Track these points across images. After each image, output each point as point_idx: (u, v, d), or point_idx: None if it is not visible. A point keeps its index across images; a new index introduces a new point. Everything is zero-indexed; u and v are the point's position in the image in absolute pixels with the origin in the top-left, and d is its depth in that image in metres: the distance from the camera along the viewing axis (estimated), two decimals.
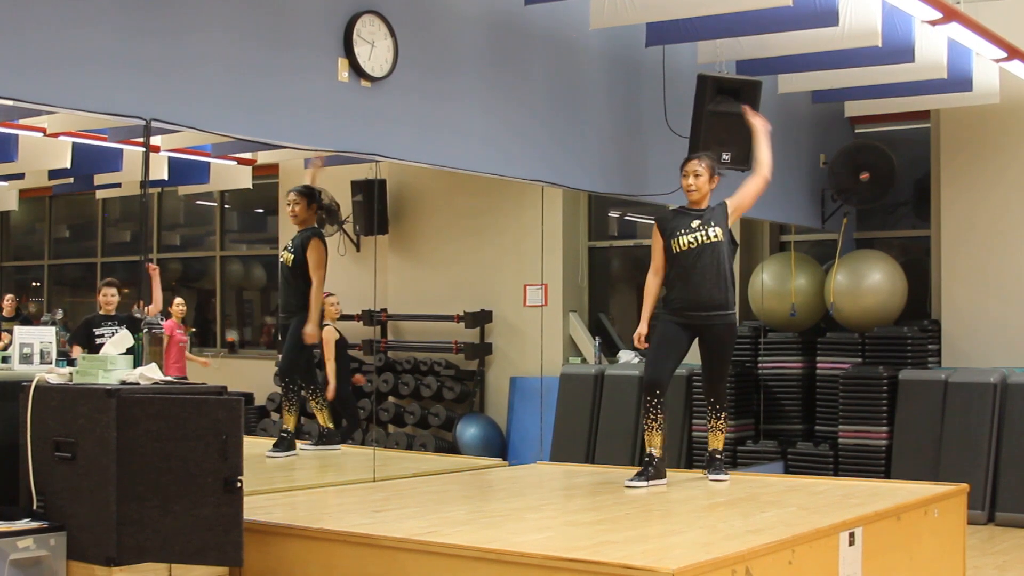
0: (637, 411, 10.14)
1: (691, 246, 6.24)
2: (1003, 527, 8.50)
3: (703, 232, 6.24)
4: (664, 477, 6.30)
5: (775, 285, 9.88)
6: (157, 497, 4.23)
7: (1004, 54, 7.73)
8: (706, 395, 6.65)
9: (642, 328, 6.29)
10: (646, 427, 6.28)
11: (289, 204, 7.58)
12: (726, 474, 6.54)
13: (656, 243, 6.39)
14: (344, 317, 11.38)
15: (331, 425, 7.80)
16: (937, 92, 8.47)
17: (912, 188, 10.33)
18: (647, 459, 6.26)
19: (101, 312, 7.92)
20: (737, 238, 6.81)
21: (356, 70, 5.92)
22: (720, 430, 6.58)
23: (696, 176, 6.32)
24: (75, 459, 4.31)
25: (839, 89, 8.70)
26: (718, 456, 6.57)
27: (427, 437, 10.65)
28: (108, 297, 7.95)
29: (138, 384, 4.47)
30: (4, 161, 8.00)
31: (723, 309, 6.27)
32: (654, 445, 6.26)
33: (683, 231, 6.28)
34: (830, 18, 6.54)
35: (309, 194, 7.59)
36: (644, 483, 6.13)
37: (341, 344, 8.58)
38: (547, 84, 7.15)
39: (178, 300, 10.18)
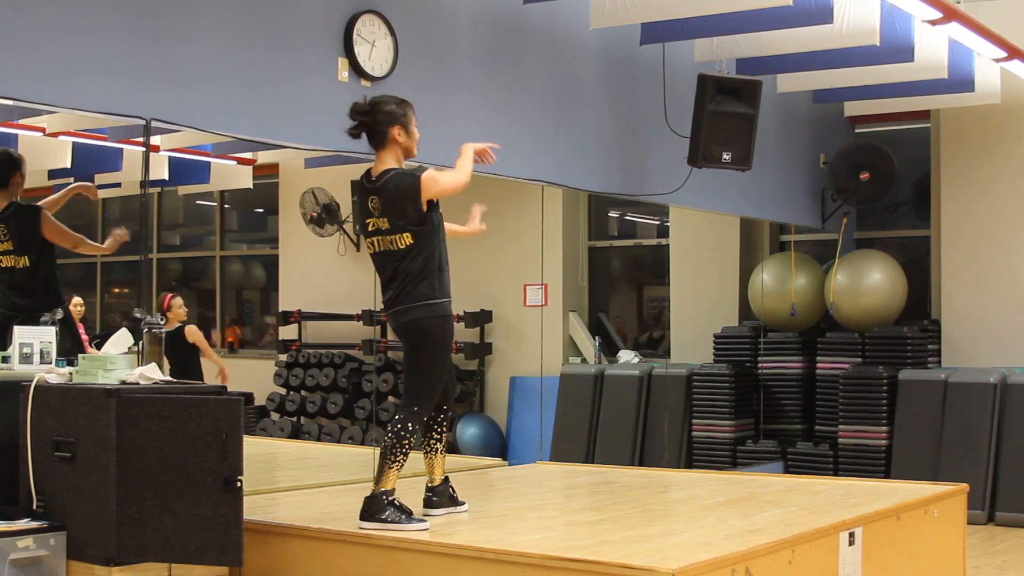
0: (637, 411, 10.15)
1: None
2: (1003, 527, 8.51)
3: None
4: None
5: (775, 285, 9.88)
6: (157, 497, 4.23)
7: (1004, 54, 7.72)
8: None
9: None
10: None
11: None
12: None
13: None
14: (344, 317, 11.41)
15: None
16: (937, 92, 8.47)
17: (912, 188, 10.33)
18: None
19: None
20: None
21: (356, 70, 5.92)
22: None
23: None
24: (75, 459, 4.31)
25: (839, 89, 8.70)
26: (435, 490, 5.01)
27: None
28: None
29: (138, 384, 4.47)
30: None
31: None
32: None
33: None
34: (824, 15, 6.54)
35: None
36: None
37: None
38: (547, 83, 7.14)
39: (76, 299, 9.84)
